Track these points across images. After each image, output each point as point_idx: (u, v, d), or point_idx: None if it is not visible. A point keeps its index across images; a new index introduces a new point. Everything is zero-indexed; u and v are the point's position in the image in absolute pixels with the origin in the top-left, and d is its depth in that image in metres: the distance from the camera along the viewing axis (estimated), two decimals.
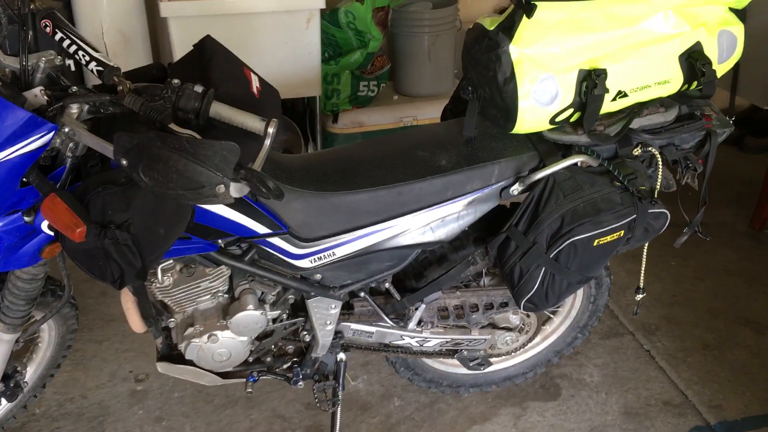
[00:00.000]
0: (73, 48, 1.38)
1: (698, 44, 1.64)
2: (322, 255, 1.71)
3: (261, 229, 1.61)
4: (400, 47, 3.64)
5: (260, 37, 2.90)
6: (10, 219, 1.37)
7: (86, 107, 1.32)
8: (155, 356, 1.88)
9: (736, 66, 1.84)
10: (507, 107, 1.57)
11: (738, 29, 1.70)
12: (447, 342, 2.06)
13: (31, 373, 2.05)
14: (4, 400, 1.98)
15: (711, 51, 1.66)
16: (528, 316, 2.19)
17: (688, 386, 2.42)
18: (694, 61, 1.64)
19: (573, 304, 2.25)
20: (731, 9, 1.70)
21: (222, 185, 1.17)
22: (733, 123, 1.82)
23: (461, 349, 2.14)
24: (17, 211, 1.37)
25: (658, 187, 1.74)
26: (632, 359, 2.55)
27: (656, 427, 2.26)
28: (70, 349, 2.10)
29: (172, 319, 1.78)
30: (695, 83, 1.67)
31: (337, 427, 2.00)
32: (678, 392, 2.40)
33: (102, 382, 2.42)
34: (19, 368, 1.95)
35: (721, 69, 1.71)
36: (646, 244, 1.86)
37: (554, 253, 1.66)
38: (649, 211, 1.68)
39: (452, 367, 2.30)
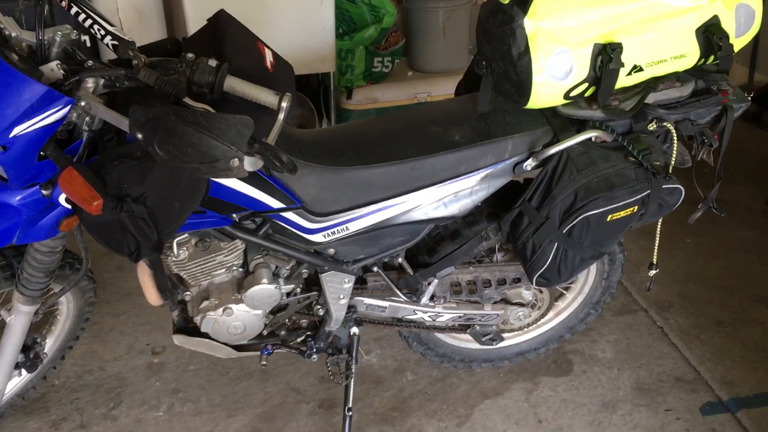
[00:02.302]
0: (89, 22, 1.39)
1: (715, 17, 1.62)
2: (335, 230, 1.72)
3: (275, 203, 1.62)
4: (415, 22, 3.62)
5: (274, 12, 2.89)
6: (28, 192, 1.39)
7: (102, 81, 1.33)
8: (171, 329, 1.91)
9: (756, 41, 1.82)
10: (521, 82, 1.56)
11: (756, 2, 1.67)
12: (459, 317, 2.07)
13: (50, 344, 2.09)
14: (24, 371, 2.02)
15: (728, 24, 1.64)
16: (541, 291, 2.20)
17: (701, 363, 2.42)
18: (710, 34, 1.61)
19: (586, 280, 2.25)
20: None
21: (236, 159, 1.18)
22: (752, 99, 1.80)
23: (474, 324, 2.15)
24: (35, 185, 1.39)
25: (672, 162, 1.73)
26: (645, 336, 2.56)
27: (668, 403, 2.27)
28: (89, 321, 2.13)
29: (188, 293, 1.80)
30: (712, 57, 1.65)
31: (351, 400, 2.02)
32: (690, 368, 2.41)
33: (120, 354, 2.45)
34: (38, 340, 1.99)
35: (738, 43, 1.69)
36: (660, 220, 1.85)
37: (567, 228, 1.66)
38: (663, 186, 1.67)
39: (465, 342, 2.31)
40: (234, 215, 1.64)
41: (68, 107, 1.27)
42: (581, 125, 1.70)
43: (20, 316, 1.78)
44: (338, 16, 3.18)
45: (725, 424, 2.19)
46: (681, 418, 2.22)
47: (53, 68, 1.32)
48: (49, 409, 2.22)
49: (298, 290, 1.89)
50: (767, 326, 2.58)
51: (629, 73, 1.60)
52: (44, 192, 1.39)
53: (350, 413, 2.02)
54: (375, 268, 1.90)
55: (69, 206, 1.39)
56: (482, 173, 1.73)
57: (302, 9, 2.93)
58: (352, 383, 2.04)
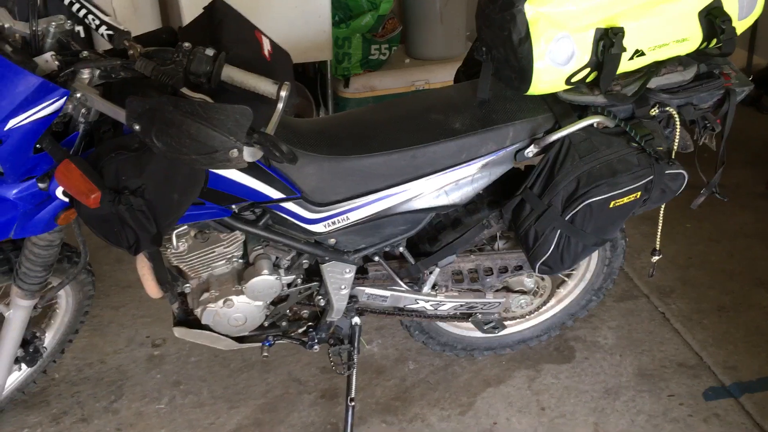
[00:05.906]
0: (83, 12, 1.37)
1: (718, 0, 1.60)
2: (335, 219, 1.71)
3: (274, 194, 1.60)
4: (412, 9, 3.60)
5: (270, 0, 2.87)
6: (24, 186, 1.37)
7: (97, 72, 1.31)
8: (171, 321, 1.90)
9: (754, 24, 1.80)
10: (522, 68, 1.54)
11: None
12: (461, 305, 2.07)
13: (49, 338, 2.08)
14: (23, 365, 2.01)
15: (731, 7, 1.62)
16: (543, 279, 2.19)
17: (703, 348, 2.42)
18: (713, 18, 1.60)
19: (588, 267, 2.24)
20: None
21: (235, 149, 1.16)
22: (751, 82, 1.79)
23: (475, 313, 2.14)
24: (32, 178, 1.37)
25: (675, 147, 1.72)
26: (647, 321, 2.55)
27: (670, 388, 2.27)
28: (88, 315, 2.12)
29: (188, 285, 1.79)
30: (714, 41, 1.64)
31: (353, 390, 2.01)
32: (693, 354, 2.40)
33: (120, 347, 2.44)
34: (37, 334, 1.97)
35: (740, 26, 1.67)
36: (663, 206, 1.84)
37: (569, 215, 1.65)
38: (666, 172, 1.66)
39: (466, 330, 2.30)
40: (233, 206, 1.62)
41: (64, 99, 1.26)
42: (583, 111, 1.68)
43: (19, 311, 1.76)
44: (334, 4, 3.15)
45: (728, 408, 2.19)
46: (684, 404, 2.21)
47: (48, 59, 1.30)
48: (50, 403, 2.21)
49: (299, 281, 1.87)
50: None
51: (631, 58, 1.58)
52: (41, 185, 1.37)
53: (353, 403, 2.01)
54: (376, 258, 1.89)
55: (66, 199, 1.37)
56: (483, 161, 1.72)
57: None
58: (354, 373, 2.03)
